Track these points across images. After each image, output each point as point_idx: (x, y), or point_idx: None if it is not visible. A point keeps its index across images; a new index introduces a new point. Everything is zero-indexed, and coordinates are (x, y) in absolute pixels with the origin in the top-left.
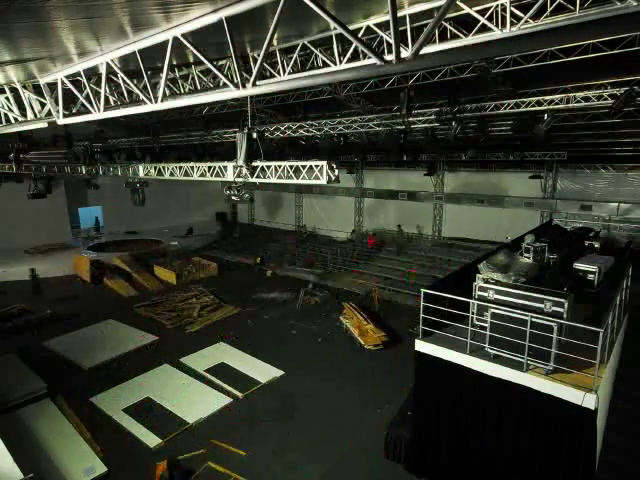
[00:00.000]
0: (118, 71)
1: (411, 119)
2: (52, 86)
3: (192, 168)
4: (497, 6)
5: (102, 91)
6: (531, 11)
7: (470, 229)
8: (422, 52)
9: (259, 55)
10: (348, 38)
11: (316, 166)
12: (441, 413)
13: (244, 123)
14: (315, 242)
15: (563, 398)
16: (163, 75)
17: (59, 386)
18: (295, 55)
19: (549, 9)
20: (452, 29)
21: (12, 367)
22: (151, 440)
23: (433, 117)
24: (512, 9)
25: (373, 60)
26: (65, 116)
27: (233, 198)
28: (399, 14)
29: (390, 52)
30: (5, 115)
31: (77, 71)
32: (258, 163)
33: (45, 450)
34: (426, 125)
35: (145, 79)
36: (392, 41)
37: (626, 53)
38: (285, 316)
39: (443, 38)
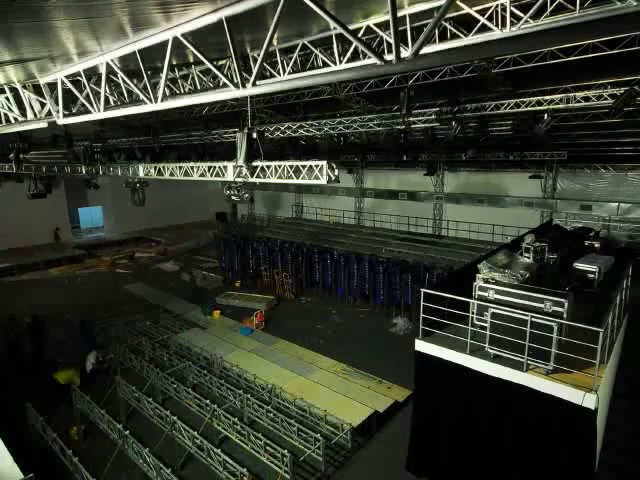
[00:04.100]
0: (118, 71)
1: (411, 119)
2: (52, 86)
3: (192, 168)
4: (497, 6)
5: (102, 91)
6: (531, 11)
7: (470, 229)
8: (422, 52)
9: (259, 55)
10: (348, 38)
11: (316, 166)
12: (441, 413)
13: (244, 123)
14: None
15: (563, 398)
16: (163, 75)
17: None
18: (295, 55)
19: (549, 9)
20: (452, 29)
21: None
22: None
23: (433, 117)
24: (512, 9)
25: (373, 60)
26: (65, 116)
27: (233, 198)
28: (399, 14)
29: (390, 52)
30: (5, 115)
31: (77, 71)
32: (258, 163)
33: None
34: (426, 125)
35: (145, 79)
36: (392, 41)
37: (626, 53)
38: None
39: (443, 38)
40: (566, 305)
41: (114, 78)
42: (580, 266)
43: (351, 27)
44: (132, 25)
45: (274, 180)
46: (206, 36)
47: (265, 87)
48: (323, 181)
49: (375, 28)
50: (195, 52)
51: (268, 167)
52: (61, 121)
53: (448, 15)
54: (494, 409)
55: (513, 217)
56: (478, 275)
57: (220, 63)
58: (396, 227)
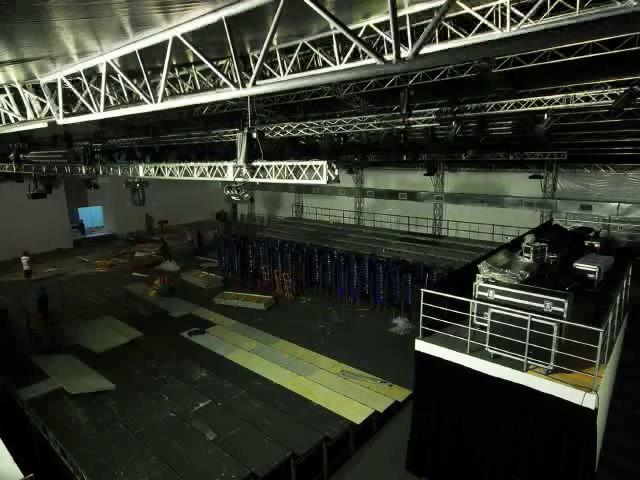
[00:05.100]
0: (118, 71)
1: (411, 119)
2: (52, 86)
3: (192, 168)
4: (497, 6)
5: (102, 91)
6: (531, 11)
7: (470, 229)
8: (422, 52)
9: (259, 55)
10: (348, 38)
11: (316, 166)
12: (441, 413)
13: (244, 123)
14: None
15: (563, 398)
16: (163, 75)
17: None
18: (295, 55)
19: (549, 9)
20: (452, 29)
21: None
22: None
23: (433, 117)
24: (512, 9)
25: (373, 60)
26: (65, 116)
27: (233, 198)
28: (399, 14)
29: (390, 52)
30: (5, 115)
31: (77, 71)
32: (258, 163)
33: None
34: (426, 125)
35: (145, 79)
36: (392, 41)
37: (626, 53)
38: None
39: (443, 38)
40: (566, 305)
41: (114, 78)
42: (580, 266)
43: (351, 27)
44: (132, 25)
45: (274, 180)
46: (206, 36)
47: (265, 87)
48: (323, 181)
49: (375, 28)
50: (195, 52)
51: (268, 167)
52: (61, 121)
53: (448, 15)
54: (494, 409)
55: (513, 217)
56: (478, 275)
57: (220, 63)
58: (396, 227)
